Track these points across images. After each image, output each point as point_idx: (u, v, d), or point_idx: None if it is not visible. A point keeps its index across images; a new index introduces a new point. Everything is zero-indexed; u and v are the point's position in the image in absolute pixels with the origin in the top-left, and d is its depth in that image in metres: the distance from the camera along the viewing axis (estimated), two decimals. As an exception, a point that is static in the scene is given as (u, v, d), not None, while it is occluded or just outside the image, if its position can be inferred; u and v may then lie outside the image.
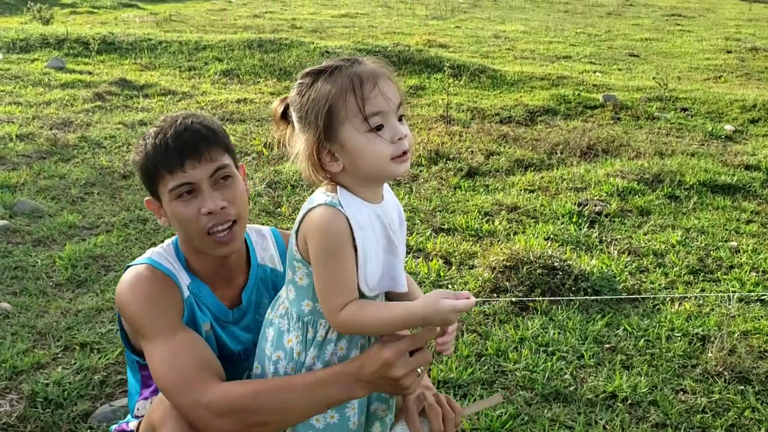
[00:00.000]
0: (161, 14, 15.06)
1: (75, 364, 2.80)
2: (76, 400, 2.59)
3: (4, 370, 2.74)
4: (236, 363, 1.90)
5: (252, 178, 4.94)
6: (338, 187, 1.58)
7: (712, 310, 3.34)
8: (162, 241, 4.11)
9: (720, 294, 3.48)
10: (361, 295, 1.58)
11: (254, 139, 5.98)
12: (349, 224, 1.52)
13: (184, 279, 1.84)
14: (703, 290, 3.54)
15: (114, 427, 2.08)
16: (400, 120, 1.56)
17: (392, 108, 1.53)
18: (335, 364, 1.63)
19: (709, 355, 2.94)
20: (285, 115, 1.63)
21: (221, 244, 1.78)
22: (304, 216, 1.57)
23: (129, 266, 1.85)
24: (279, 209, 4.45)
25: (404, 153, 1.53)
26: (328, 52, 9.59)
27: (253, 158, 5.52)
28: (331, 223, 1.52)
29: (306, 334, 1.65)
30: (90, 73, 8.43)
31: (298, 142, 1.59)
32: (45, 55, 9.43)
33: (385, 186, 1.70)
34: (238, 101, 7.43)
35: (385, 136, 1.51)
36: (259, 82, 8.63)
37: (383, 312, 1.53)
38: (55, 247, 3.87)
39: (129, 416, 2.07)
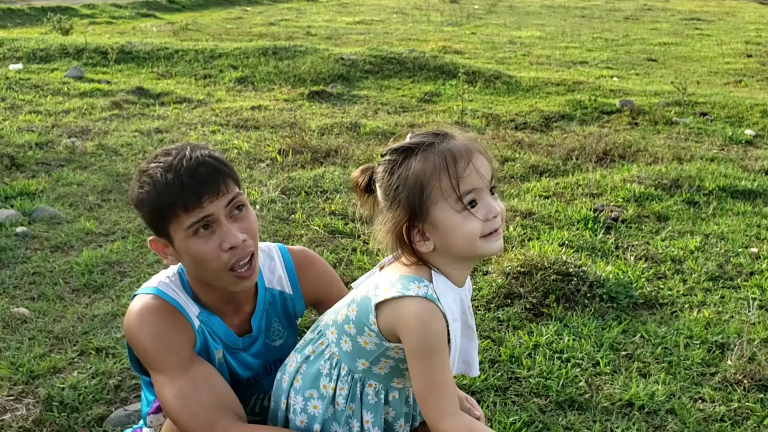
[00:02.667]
0: (178, 23, 15.20)
1: (90, 368, 2.81)
2: (92, 404, 2.60)
3: (22, 374, 2.76)
4: (245, 389, 1.87)
5: (266, 185, 4.96)
6: (433, 272, 1.53)
7: (732, 317, 3.29)
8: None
9: (740, 300, 3.43)
10: None
11: (268, 145, 6.01)
12: (445, 318, 1.49)
13: (192, 309, 1.79)
14: (722, 297, 3.49)
15: (128, 431, 2.09)
16: (492, 194, 1.52)
17: (486, 184, 1.49)
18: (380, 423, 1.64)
19: (729, 362, 2.90)
20: (368, 188, 1.59)
21: (242, 279, 1.72)
22: (393, 298, 1.50)
23: (136, 294, 1.80)
24: (293, 216, 4.46)
25: (495, 230, 1.49)
26: (342, 58, 9.62)
27: (267, 165, 5.54)
28: (431, 320, 1.47)
29: (354, 390, 1.63)
30: (108, 82, 8.53)
31: (383, 218, 1.54)
32: (64, 64, 9.55)
33: None
34: (253, 108, 7.47)
35: (479, 214, 1.47)
36: (274, 89, 8.67)
37: None
38: (73, 253, 3.90)
39: (142, 422, 2.08)
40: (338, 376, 1.63)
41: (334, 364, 1.64)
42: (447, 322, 1.49)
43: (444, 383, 1.48)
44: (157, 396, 1.72)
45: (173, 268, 1.86)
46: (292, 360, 1.75)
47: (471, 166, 1.47)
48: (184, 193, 1.64)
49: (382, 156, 1.55)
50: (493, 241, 1.50)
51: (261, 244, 1.96)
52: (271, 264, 1.93)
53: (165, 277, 1.82)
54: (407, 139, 1.54)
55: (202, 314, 1.80)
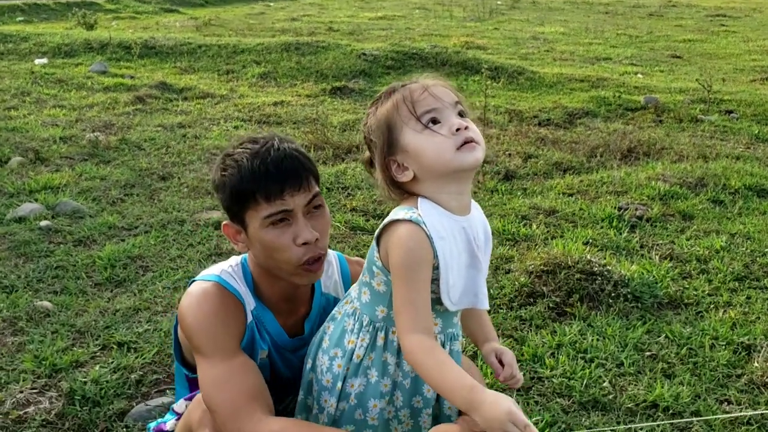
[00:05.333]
0: (201, 18, 15.28)
1: (112, 363, 2.83)
2: (113, 398, 2.62)
3: (45, 368, 2.78)
4: (284, 387, 1.87)
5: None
6: (419, 199, 1.59)
7: (758, 318, 3.24)
8: (200, 243, 4.14)
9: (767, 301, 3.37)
10: (437, 311, 1.59)
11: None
12: (430, 238, 1.53)
13: (249, 303, 1.80)
14: (748, 297, 3.43)
15: (152, 425, 2.10)
16: (462, 116, 1.59)
17: (446, 105, 1.58)
18: (393, 374, 1.64)
19: (755, 364, 2.85)
20: (371, 163, 1.67)
21: (309, 272, 1.73)
22: (385, 227, 1.58)
23: (194, 280, 1.81)
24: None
25: (468, 142, 1.55)
26: (365, 53, 9.60)
27: (289, 160, 5.55)
28: (411, 239, 1.52)
29: (375, 339, 1.66)
30: (131, 77, 8.59)
31: (377, 172, 1.63)
32: (88, 59, 9.64)
33: (475, 204, 1.70)
34: (275, 104, 7.48)
35: (442, 130, 1.55)
36: (296, 84, 8.68)
37: (447, 374, 1.45)
38: (95, 248, 3.93)
39: (167, 415, 2.08)
40: (360, 328, 1.67)
41: (357, 318, 1.68)
42: (432, 242, 1.53)
43: (416, 302, 1.51)
44: (200, 377, 1.73)
45: (236, 258, 1.87)
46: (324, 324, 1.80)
47: (426, 93, 1.58)
48: (267, 182, 1.65)
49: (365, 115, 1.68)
50: (467, 152, 1.54)
51: None
52: (329, 269, 1.94)
53: (228, 266, 1.83)
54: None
55: (257, 309, 1.81)
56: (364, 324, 1.66)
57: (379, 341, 1.65)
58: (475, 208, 1.70)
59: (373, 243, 1.63)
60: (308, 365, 1.77)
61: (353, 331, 1.68)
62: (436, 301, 1.59)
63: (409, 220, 1.53)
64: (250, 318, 1.79)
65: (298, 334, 1.87)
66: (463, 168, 1.56)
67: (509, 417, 1.34)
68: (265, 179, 1.65)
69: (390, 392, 1.67)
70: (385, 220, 1.59)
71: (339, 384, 1.68)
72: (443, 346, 1.65)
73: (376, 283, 1.65)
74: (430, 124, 1.56)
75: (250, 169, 1.66)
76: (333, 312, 1.77)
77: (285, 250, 1.69)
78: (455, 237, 1.58)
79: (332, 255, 1.98)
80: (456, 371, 1.45)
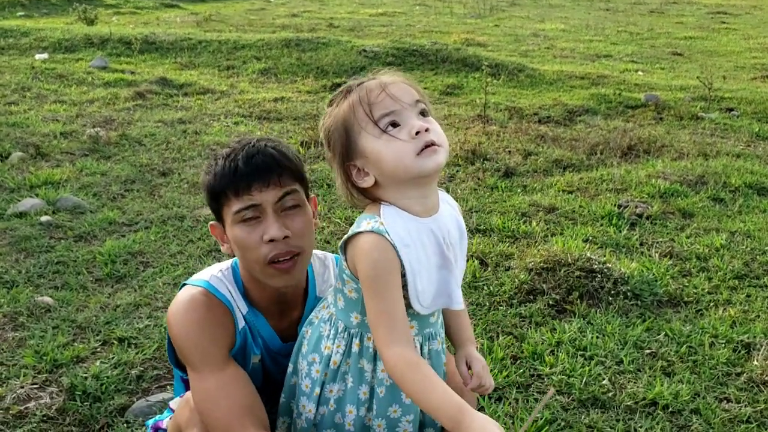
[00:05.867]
0: (201, 14, 15.26)
1: (113, 358, 2.83)
2: (114, 394, 2.62)
3: (45, 363, 2.78)
4: (277, 391, 1.85)
5: (289, 177, 4.95)
6: (382, 205, 1.55)
7: (758, 316, 3.24)
8: (200, 239, 4.14)
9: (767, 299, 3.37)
10: (410, 315, 1.56)
11: (290, 137, 6.01)
12: (394, 247, 1.49)
13: (241, 308, 1.78)
14: (748, 296, 3.44)
15: (150, 422, 2.11)
16: (424, 115, 1.53)
17: (405, 106, 1.51)
18: (370, 381, 1.62)
19: (755, 363, 2.85)
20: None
21: (281, 273, 1.70)
22: (350, 238, 1.54)
23: (185, 284, 1.79)
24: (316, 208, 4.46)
25: (429, 145, 1.49)
26: (365, 50, 9.59)
27: (290, 157, 5.54)
28: (376, 251, 1.49)
29: (351, 345, 1.63)
30: (132, 72, 8.58)
31: (336, 177, 1.59)
32: (89, 54, 9.62)
33: (446, 197, 1.66)
34: (276, 100, 7.48)
35: (401, 134, 1.49)
36: (297, 81, 8.67)
37: (432, 392, 1.42)
38: (96, 243, 3.93)
39: (165, 412, 2.09)
40: (336, 334, 1.64)
41: (332, 324, 1.66)
42: (397, 250, 1.49)
43: (390, 312, 1.48)
44: (192, 389, 1.72)
45: (228, 262, 1.85)
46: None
47: (384, 93, 1.50)
48: (236, 178, 1.66)
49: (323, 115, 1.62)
50: (428, 157, 1.48)
51: (318, 252, 1.93)
52: (325, 273, 1.91)
53: (218, 271, 1.81)
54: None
55: (250, 313, 1.79)
56: (340, 330, 1.64)
57: (355, 347, 1.62)
58: (445, 203, 1.64)
59: (340, 252, 1.60)
60: (290, 368, 1.75)
61: (329, 336, 1.65)
62: (408, 305, 1.55)
63: (372, 231, 1.50)
64: (242, 323, 1.77)
65: (291, 338, 1.84)
66: (424, 174, 1.51)
67: None
68: (233, 175, 1.66)
69: (368, 400, 1.64)
70: (349, 232, 1.55)
71: (317, 389, 1.66)
72: (422, 347, 1.63)
73: (347, 291, 1.62)
74: (389, 128, 1.49)
75: (222, 166, 1.69)
76: (311, 316, 1.74)
77: (254, 248, 1.67)
78: (423, 241, 1.54)
79: (329, 258, 1.95)
80: (441, 389, 1.41)
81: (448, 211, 1.64)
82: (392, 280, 1.49)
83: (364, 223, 1.53)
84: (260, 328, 1.80)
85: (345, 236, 1.56)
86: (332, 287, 1.72)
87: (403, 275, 1.51)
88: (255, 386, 1.77)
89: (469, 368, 1.73)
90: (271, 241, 1.66)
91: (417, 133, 1.48)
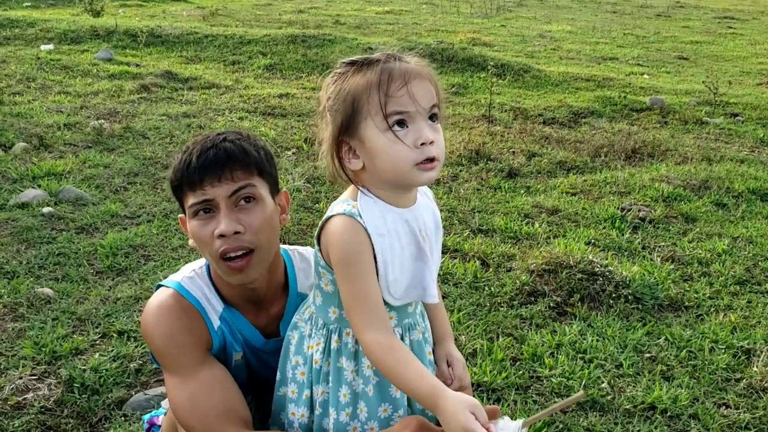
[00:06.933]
0: (208, 8, 15.24)
1: (112, 351, 2.83)
2: (112, 387, 2.62)
3: (44, 354, 2.79)
4: (263, 387, 1.85)
5: (291, 173, 4.95)
6: (360, 190, 1.52)
7: (759, 322, 3.23)
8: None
9: None
10: (386, 304, 1.52)
11: (295, 134, 6.01)
12: (367, 231, 1.47)
13: (215, 306, 1.76)
14: (749, 302, 3.43)
15: (145, 417, 2.10)
16: (433, 121, 1.48)
17: (420, 110, 1.45)
18: (351, 383, 1.58)
19: (755, 369, 2.85)
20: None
21: (234, 271, 1.67)
22: (323, 225, 1.52)
23: (159, 285, 1.78)
24: (317, 205, 4.46)
25: (430, 160, 1.45)
26: (371, 48, 9.58)
27: (293, 153, 5.54)
28: (347, 233, 1.46)
29: (329, 342, 1.59)
30: (137, 65, 8.57)
31: (325, 133, 1.52)
32: (94, 46, 9.62)
33: (425, 190, 1.62)
34: (280, 96, 7.47)
35: (407, 138, 1.44)
36: (302, 77, 8.66)
37: (407, 374, 1.42)
38: (98, 235, 3.93)
39: (161, 408, 2.09)
40: (316, 331, 1.61)
41: (313, 322, 1.62)
42: (370, 236, 1.46)
43: (365, 295, 1.45)
44: (168, 396, 1.72)
45: (203, 260, 1.83)
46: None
47: (405, 89, 1.43)
48: (188, 172, 1.66)
49: (335, 70, 1.54)
50: (424, 172, 1.45)
51: (300, 249, 1.91)
52: (307, 269, 1.88)
53: (191, 271, 1.79)
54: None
55: (226, 311, 1.77)
56: (319, 326, 1.61)
57: (333, 344, 1.58)
58: (424, 195, 1.62)
59: (315, 243, 1.56)
60: (278, 377, 1.71)
61: (311, 335, 1.62)
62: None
63: (344, 214, 1.48)
64: (217, 323, 1.75)
65: (273, 334, 1.81)
66: (416, 185, 1.50)
67: (466, 430, 1.33)
68: (186, 170, 1.66)
69: (351, 403, 1.59)
70: (323, 218, 1.53)
71: (306, 391, 1.63)
72: (402, 338, 1.60)
73: (324, 284, 1.58)
74: (395, 127, 1.43)
75: (178, 160, 1.70)
76: (294, 319, 1.71)
77: (207, 243, 1.66)
78: (398, 231, 1.51)
79: (311, 254, 1.90)
80: (415, 371, 1.41)
81: (425, 202, 1.61)
82: (365, 261, 1.46)
83: (337, 207, 1.51)
84: (240, 326, 1.78)
85: (320, 223, 1.53)
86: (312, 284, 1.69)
87: (375, 264, 1.49)
88: (240, 383, 1.76)
89: (449, 365, 1.72)
90: (221, 236, 1.64)
91: (422, 144, 1.44)
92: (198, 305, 1.74)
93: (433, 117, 1.48)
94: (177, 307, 1.71)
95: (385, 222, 1.50)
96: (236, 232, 1.64)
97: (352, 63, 1.50)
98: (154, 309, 1.72)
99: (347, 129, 1.47)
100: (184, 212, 1.74)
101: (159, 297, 1.74)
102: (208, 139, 1.70)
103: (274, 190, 1.75)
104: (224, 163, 1.65)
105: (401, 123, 1.44)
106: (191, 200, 1.67)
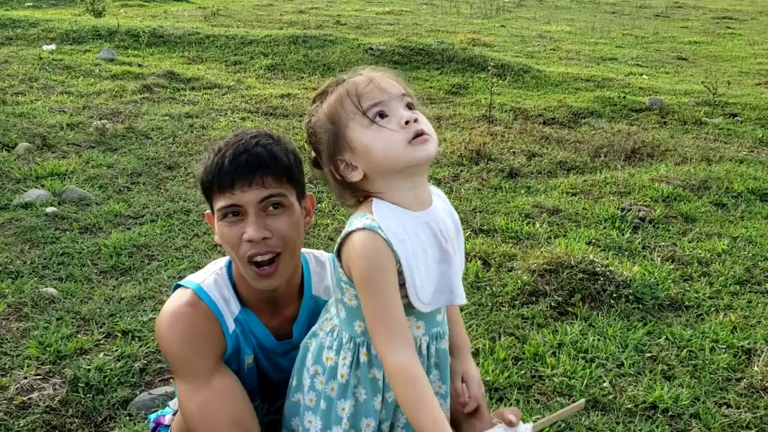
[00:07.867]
0: (209, 9, 15.25)
1: (116, 351, 2.85)
2: (117, 386, 2.64)
3: (49, 354, 2.80)
4: (275, 390, 1.85)
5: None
6: (373, 201, 1.52)
7: (759, 322, 3.25)
8: (205, 233, 4.15)
9: None
10: (414, 314, 1.53)
11: (296, 134, 6.02)
12: (388, 242, 1.46)
13: (233, 309, 1.77)
14: (749, 301, 3.45)
15: (152, 417, 2.12)
16: (411, 108, 1.53)
17: (393, 97, 1.51)
18: (383, 389, 1.59)
19: (755, 368, 2.87)
20: (316, 162, 1.62)
21: (261, 277, 1.69)
22: (343, 240, 1.52)
23: (178, 285, 1.79)
24: (319, 205, 4.48)
25: (420, 134, 1.48)
26: (372, 48, 9.60)
27: (295, 153, 5.56)
28: (368, 248, 1.46)
29: (358, 355, 1.59)
30: (139, 65, 8.59)
31: (326, 173, 1.57)
32: (96, 46, 9.63)
33: (437, 192, 1.64)
34: (282, 96, 7.49)
35: (390, 124, 1.49)
36: (303, 77, 8.68)
37: (424, 409, 1.41)
38: (101, 235, 3.95)
39: (167, 408, 2.10)
40: (340, 345, 1.61)
41: (335, 336, 1.62)
42: (392, 245, 1.46)
43: (388, 312, 1.45)
44: (179, 402, 1.72)
45: (224, 259, 1.85)
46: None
47: (372, 84, 1.51)
48: (220, 175, 1.66)
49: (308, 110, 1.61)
50: (419, 145, 1.48)
51: (315, 252, 1.93)
52: (321, 272, 1.89)
53: (212, 273, 1.80)
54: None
55: (242, 313, 1.78)
56: (345, 341, 1.60)
57: (363, 357, 1.58)
58: (438, 197, 1.62)
59: (335, 259, 1.57)
60: (294, 383, 1.72)
61: (331, 347, 1.62)
62: (410, 304, 1.52)
63: (364, 228, 1.47)
64: (232, 327, 1.75)
65: (285, 336, 1.82)
66: (416, 163, 1.49)
67: None
68: (219, 172, 1.66)
69: (383, 409, 1.61)
70: (342, 234, 1.52)
71: (323, 403, 1.63)
72: (428, 347, 1.60)
73: (347, 299, 1.58)
74: (377, 119, 1.48)
75: (211, 161, 1.70)
76: (314, 328, 1.71)
77: (234, 245, 1.68)
78: (418, 235, 1.51)
79: (327, 258, 1.94)
80: (429, 413, 1.41)
81: (442, 204, 1.62)
82: (388, 278, 1.46)
83: (355, 221, 1.50)
84: (253, 327, 1.79)
85: (339, 238, 1.53)
86: (333, 297, 1.70)
87: (401, 272, 1.48)
88: (251, 387, 1.76)
89: (463, 381, 1.72)
90: (249, 241, 1.66)
91: (406, 122, 1.48)
92: (215, 309, 1.74)
93: (409, 106, 1.54)
94: (194, 313, 1.72)
95: (404, 227, 1.50)
96: (264, 238, 1.66)
97: (321, 93, 1.58)
98: (170, 313, 1.72)
99: (335, 144, 1.52)
100: (212, 210, 1.75)
101: (176, 300, 1.74)
102: (241, 142, 1.69)
103: (301, 194, 1.76)
104: (255, 169, 1.65)
105: (381, 114, 1.50)
106: (221, 203, 1.68)
